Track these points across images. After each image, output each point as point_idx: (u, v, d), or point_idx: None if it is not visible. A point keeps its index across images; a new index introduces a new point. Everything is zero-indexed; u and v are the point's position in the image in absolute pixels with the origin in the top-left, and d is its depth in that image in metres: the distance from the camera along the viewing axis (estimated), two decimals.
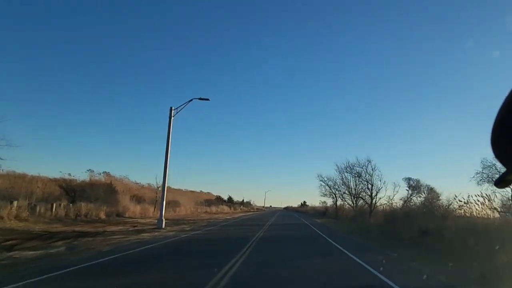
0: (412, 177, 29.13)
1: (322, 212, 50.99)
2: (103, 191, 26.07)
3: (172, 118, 18.40)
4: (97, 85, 70.82)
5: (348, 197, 36.73)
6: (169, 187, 52.87)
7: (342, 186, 37.51)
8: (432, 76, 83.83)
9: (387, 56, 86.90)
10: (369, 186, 30.83)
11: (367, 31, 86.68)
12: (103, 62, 72.61)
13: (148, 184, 36.75)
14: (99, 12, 67.12)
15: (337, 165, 37.10)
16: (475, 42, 64.00)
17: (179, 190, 55.46)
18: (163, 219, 17.49)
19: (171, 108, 18.51)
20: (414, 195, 27.20)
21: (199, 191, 67.27)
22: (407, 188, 28.34)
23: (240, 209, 72.22)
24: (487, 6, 66.48)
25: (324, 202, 69.04)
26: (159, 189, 37.12)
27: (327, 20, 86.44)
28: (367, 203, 30.83)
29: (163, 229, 16.82)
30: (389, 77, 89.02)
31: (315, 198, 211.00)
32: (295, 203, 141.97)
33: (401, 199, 27.53)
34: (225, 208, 56.92)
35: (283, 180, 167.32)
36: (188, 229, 17.56)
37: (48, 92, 61.65)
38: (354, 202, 34.74)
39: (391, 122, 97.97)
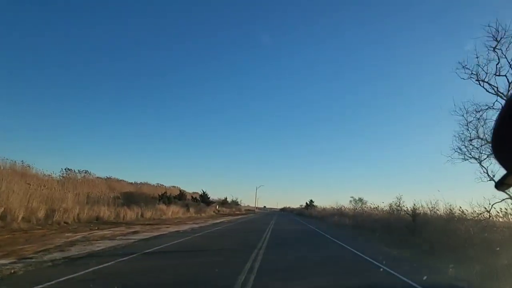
0: None
1: (396, 226, 16.71)
2: None
3: None
4: None
5: None
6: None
7: None
8: None
9: None
10: None
11: None
12: None
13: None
14: None
15: None
16: None
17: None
18: None
19: None
20: None
21: (115, 179, 36.22)
22: None
23: (216, 211, 49.59)
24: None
25: (357, 198, 36.89)
26: None
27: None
28: None
29: None
30: None
31: (322, 197, 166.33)
32: (294, 204, 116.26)
33: None
34: (172, 211, 32.73)
35: (279, 178, 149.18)
36: None
37: None
38: None
39: None
